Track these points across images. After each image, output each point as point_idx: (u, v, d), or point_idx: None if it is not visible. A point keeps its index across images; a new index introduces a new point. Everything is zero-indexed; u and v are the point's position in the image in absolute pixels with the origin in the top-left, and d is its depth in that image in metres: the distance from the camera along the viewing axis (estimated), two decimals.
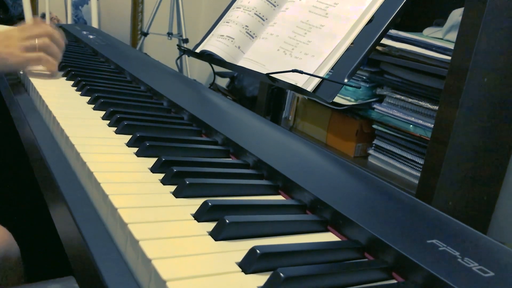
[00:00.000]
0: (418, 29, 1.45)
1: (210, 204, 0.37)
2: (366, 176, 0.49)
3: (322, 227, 0.40)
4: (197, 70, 3.08)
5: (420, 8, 1.56)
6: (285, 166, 0.48)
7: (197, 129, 0.60)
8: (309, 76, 0.68)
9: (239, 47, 0.81)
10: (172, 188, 0.42)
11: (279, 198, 0.45)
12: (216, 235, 0.35)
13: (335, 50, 0.69)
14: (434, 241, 0.35)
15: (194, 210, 0.38)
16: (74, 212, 0.38)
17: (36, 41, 0.75)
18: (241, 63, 0.80)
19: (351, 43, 0.68)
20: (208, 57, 0.85)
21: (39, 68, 0.77)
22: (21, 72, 0.79)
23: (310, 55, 0.70)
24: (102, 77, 0.80)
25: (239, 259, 0.32)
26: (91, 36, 1.20)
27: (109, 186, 0.39)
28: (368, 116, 1.49)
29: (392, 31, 1.39)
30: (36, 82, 0.70)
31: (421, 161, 1.33)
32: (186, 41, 2.56)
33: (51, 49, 0.77)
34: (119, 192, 0.39)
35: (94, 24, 2.32)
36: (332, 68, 0.68)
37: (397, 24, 1.46)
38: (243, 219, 0.36)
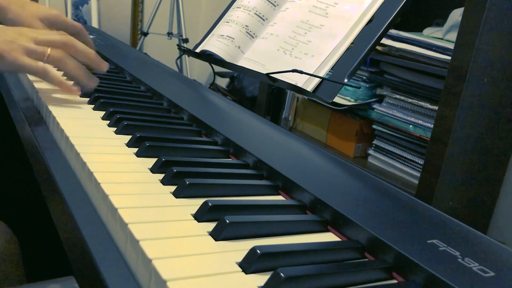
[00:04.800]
0: (418, 29, 1.45)
1: (210, 204, 0.37)
2: (366, 176, 0.49)
3: (322, 227, 0.40)
4: (197, 70, 3.08)
5: (420, 8, 1.56)
6: (285, 166, 0.48)
7: (197, 130, 0.60)
8: (309, 76, 0.68)
9: (239, 47, 0.81)
10: (172, 188, 0.42)
11: (279, 198, 0.45)
12: (217, 235, 0.35)
13: (335, 50, 0.69)
14: (434, 241, 0.35)
15: (194, 210, 0.38)
16: (74, 212, 0.38)
17: (49, 50, 0.61)
18: (241, 63, 0.80)
19: (351, 43, 0.68)
20: (208, 57, 0.85)
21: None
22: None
23: (310, 55, 0.70)
24: (102, 77, 0.80)
25: (240, 259, 0.32)
26: (91, 36, 1.20)
27: (109, 186, 0.39)
28: (368, 116, 1.49)
29: (392, 31, 1.39)
30: (36, 82, 0.70)
31: (421, 161, 1.33)
32: (186, 41, 2.56)
33: (66, 65, 0.62)
34: (119, 192, 0.39)
35: (94, 24, 2.32)
36: (332, 68, 0.68)
37: (397, 24, 1.46)
38: (243, 219, 0.36)
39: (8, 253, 0.68)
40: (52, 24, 0.73)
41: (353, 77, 0.64)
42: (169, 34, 2.62)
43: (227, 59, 0.81)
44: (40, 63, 0.60)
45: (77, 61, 0.64)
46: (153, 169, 0.45)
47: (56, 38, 0.63)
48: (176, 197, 0.40)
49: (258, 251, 0.31)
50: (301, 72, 0.68)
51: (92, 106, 0.64)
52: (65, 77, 0.66)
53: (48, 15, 0.72)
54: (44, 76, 0.61)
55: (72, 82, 0.64)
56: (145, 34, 2.56)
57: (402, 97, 1.39)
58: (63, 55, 0.61)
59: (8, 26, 0.64)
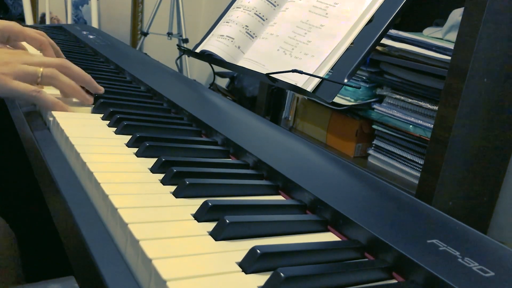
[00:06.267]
0: (418, 29, 1.45)
1: (210, 204, 0.37)
2: (366, 176, 0.49)
3: (322, 227, 0.40)
4: (197, 70, 3.08)
5: (420, 8, 1.56)
6: (285, 166, 0.48)
7: (197, 130, 0.60)
8: (309, 76, 0.68)
9: (239, 47, 0.81)
10: (172, 188, 0.42)
11: (279, 198, 0.45)
12: (217, 235, 0.35)
13: (335, 50, 0.69)
14: (434, 241, 0.35)
15: (194, 210, 0.38)
16: (74, 212, 0.38)
17: (42, 69, 0.60)
18: (241, 63, 0.80)
19: (351, 43, 0.68)
20: (208, 57, 0.85)
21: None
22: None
23: (310, 55, 0.70)
24: (102, 77, 0.80)
25: (240, 259, 0.32)
26: (91, 36, 1.20)
27: (109, 186, 0.39)
28: (368, 116, 1.49)
29: (392, 31, 1.39)
30: None
31: (421, 161, 1.33)
32: (186, 41, 2.56)
33: (59, 83, 0.61)
34: (119, 192, 0.39)
35: (94, 24, 2.32)
36: (332, 68, 0.68)
37: (397, 24, 1.46)
38: (243, 219, 0.36)
39: (6, 251, 0.68)
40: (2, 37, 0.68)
41: (353, 77, 0.64)
42: (169, 34, 2.62)
43: (227, 59, 0.81)
44: (32, 87, 0.58)
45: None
46: (153, 169, 0.45)
47: (50, 60, 0.62)
48: (176, 197, 0.40)
49: (258, 251, 0.31)
50: (301, 72, 0.68)
51: (92, 106, 0.64)
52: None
53: None
54: (37, 101, 0.59)
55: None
56: (145, 34, 2.56)
57: (402, 97, 1.39)
58: (56, 72, 0.61)
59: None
